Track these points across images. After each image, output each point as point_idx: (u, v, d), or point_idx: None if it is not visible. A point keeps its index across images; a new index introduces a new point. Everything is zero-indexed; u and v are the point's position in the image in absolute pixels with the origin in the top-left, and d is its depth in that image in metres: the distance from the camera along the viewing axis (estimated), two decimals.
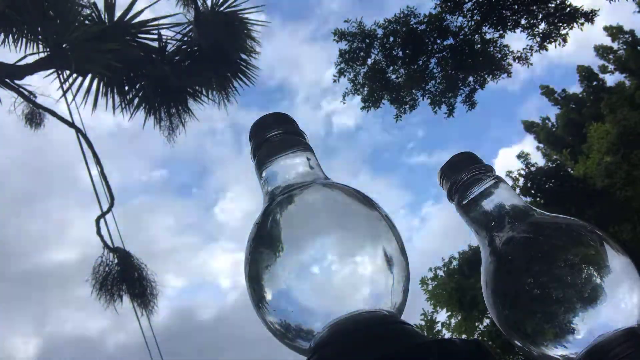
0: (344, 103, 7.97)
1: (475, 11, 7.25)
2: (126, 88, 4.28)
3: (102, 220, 4.06)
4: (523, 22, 7.15)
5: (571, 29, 6.95)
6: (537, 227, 0.43)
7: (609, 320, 0.37)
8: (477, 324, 8.58)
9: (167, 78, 4.18)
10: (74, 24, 3.37)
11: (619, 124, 10.10)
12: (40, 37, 3.41)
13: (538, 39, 7.17)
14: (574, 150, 11.39)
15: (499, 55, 7.51)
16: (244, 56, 4.61)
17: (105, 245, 4.02)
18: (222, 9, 4.49)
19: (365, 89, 7.78)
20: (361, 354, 0.27)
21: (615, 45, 13.99)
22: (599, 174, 9.20)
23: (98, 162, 4.06)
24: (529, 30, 7.16)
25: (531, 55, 7.37)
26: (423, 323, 8.70)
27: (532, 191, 9.04)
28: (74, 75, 3.94)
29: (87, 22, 3.84)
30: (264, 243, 0.34)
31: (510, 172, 9.56)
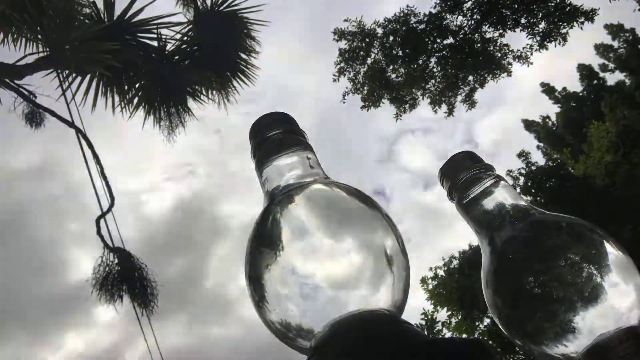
0: (344, 102, 7.98)
1: (475, 10, 7.25)
2: (126, 87, 4.27)
3: (102, 220, 4.06)
4: (523, 21, 7.15)
5: (571, 27, 6.95)
6: (538, 226, 0.42)
7: (609, 319, 0.37)
8: (477, 323, 8.58)
9: (166, 77, 4.18)
10: (73, 24, 3.37)
11: (619, 123, 10.10)
12: (39, 36, 3.41)
13: (538, 38, 7.17)
14: (574, 149, 11.38)
15: (499, 55, 7.51)
16: (243, 56, 4.61)
17: (105, 245, 4.02)
18: (222, 8, 4.48)
19: (365, 88, 7.78)
20: (361, 353, 0.27)
21: (615, 44, 14.00)
22: (599, 173, 9.20)
23: (98, 162, 4.06)
24: (529, 29, 7.16)
25: (531, 54, 7.38)
26: (423, 322, 8.70)
27: (533, 190, 9.04)
28: (74, 74, 3.94)
29: (86, 21, 3.84)
30: (264, 242, 0.34)
31: (510, 171, 9.56)
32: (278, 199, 0.36)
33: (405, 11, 7.39)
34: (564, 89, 14.34)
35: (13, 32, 3.53)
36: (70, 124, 4.01)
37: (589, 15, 6.83)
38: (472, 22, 7.32)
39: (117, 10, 4.01)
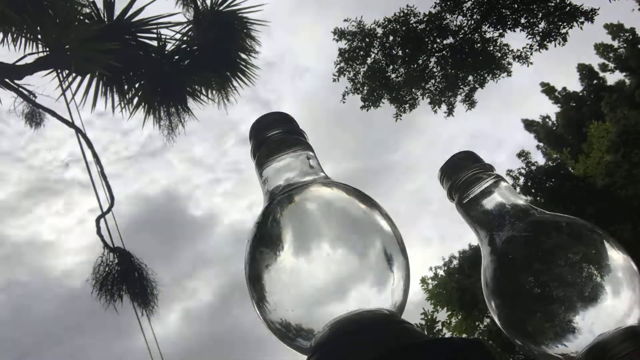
0: (343, 102, 7.98)
1: (475, 10, 7.24)
2: (125, 87, 4.27)
3: (102, 220, 4.06)
4: (523, 21, 7.14)
5: (571, 27, 6.95)
6: (538, 226, 0.42)
7: (609, 319, 0.37)
8: (477, 323, 8.58)
9: (166, 77, 4.18)
10: (73, 23, 3.37)
11: (619, 123, 10.10)
12: (39, 36, 3.41)
13: (538, 38, 7.17)
14: (574, 149, 11.38)
15: (499, 54, 7.51)
16: (243, 56, 4.61)
17: (105, 245, 4.02)
18: (221, 8, 4.48)
19: (365, 88, 7.78)
20: (361, 353, 0.27)
21: (615, 44, 14.00)
22: (599, 172, 9.20)
23: (98, 162, 4.06)
24: (529, 29, 7.15)
25: (531, 54, 7.37)
26: (423, 322, 8.70)
27: (533, 190, 9.04)
28: (74, 74, 3.93)
29: (86, 21, 3.84)
30: (264, 242, 0.34)
31: (510, 171, 9.56)
32: (278, 199, 0.36)
33: (405, 11, 7.39)
34: (564, 89, 14.34)
35: (13, 32, 3.52)
36: (70, 124, 4.01)
37: (589, 15, 6.83)
38: (472, 22, 7.32)
39: (117, 10, 4.01)
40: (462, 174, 0.46)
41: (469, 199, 0.46)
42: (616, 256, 0.39)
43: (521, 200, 0.45)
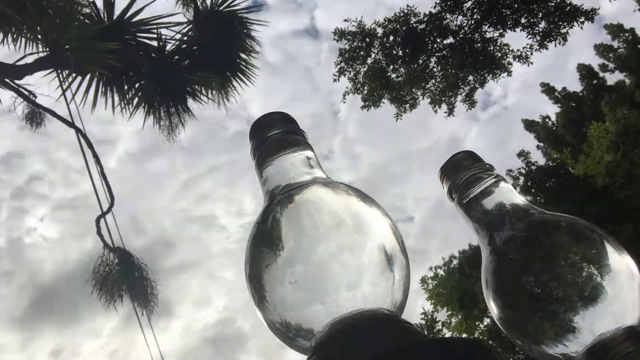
0: (344, 102, 7.99)
1: (475, 10, 7.25)
2: (125, 87, 4.27)
3: (102, 220, 4.06)
4: (523, 20, 7.14)
5: (571, 27, 6.95)
6: (538, 226, 0.42)
7: (609, 319, 0.37)
8: (477, 323, 8.59)
9: (166, 77, 4.18)
10: (73, 23, 3.37)
11: (619, 123, 10.09)
12: (39, 36, 3.41)
13: (538, 38, 7.17)
14: (574, 149, 11.37)
15: (499, 54, 7.51)
16: (243, 56, 4.61)
17: (106, 245, 4.02)
18: (221, 8, 4.48)
19: (366, 88, 7.78)
20: (362, 352, 0.27)
21: (615, 44, 13.99)
22: (599, 172, 9.20)
23: (98, 162, 4.06)
24: (529, 29, 7.16)
25: (531, 54, 7.37)
26: (423, 322, 8.70)
27: (533, 190, 9.04)
28: (73, 74, 3.94)
29: (86, 21, 3.84)
30: (264, 242, 0.34)
31: (510, 170, 9.55)
32: (278, 198, 0.36)
33: (405, 11, 7.39)
34: (564, 89, 14.34)
35: (13, 32, 3.52)
36: (70, 124, 4.01)
37: (589, 15, 6.83)
38: (472, 21, 7.32)
39: (117, 10, 4.01)
40: (462, 173, 0.46)
41: (469, 199, 0.46)
42: (616, 256, 0.39)
43: (521, 200, 0.45)
